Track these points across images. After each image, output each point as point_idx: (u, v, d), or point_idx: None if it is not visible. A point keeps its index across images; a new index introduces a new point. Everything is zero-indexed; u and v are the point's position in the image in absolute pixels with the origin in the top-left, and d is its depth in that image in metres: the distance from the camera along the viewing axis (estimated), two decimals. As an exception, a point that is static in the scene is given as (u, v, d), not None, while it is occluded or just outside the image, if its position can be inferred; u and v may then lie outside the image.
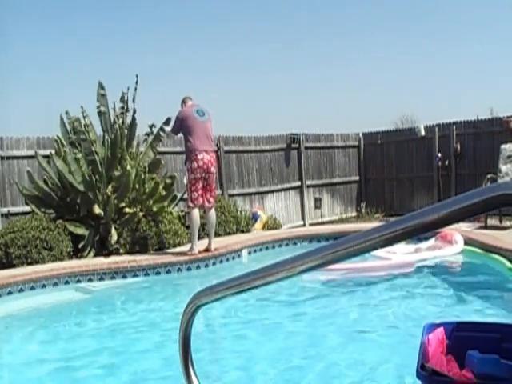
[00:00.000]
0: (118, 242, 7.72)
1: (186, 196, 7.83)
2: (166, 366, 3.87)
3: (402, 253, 7.08)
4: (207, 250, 7.36)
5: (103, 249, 7.78)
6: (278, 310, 5.45)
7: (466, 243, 7.19)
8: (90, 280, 6.70)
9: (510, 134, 10.50)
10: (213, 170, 7.34)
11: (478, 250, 6.97)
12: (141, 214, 8.04)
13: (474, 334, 2.27)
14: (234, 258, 7.71)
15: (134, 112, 8.25)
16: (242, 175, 11.39)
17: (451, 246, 7.15)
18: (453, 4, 34.05)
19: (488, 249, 6.80)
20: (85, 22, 25.86)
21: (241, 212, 9.70)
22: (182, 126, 7.31)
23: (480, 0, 32.58)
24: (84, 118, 8.03)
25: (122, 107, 8.22)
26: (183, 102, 7.64)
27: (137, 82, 8.06)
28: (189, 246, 7.46)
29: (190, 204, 7.30)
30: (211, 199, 7.43)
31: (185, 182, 7.54)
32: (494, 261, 6.42)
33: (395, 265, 6.63)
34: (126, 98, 8.20)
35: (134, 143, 8.61)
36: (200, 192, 7.24)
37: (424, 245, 7.36)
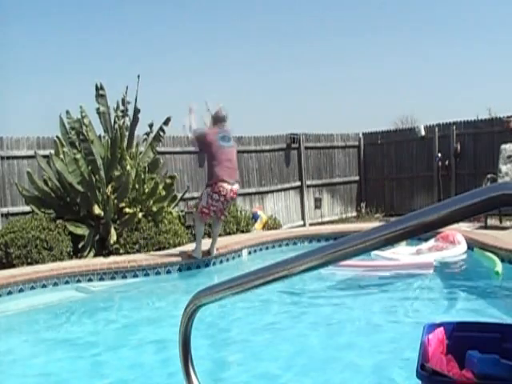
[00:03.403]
0: (117, 241, 7.72)
1: (196, 202, 7.51)
2: (162, 364, 3.88)
3: (405, 254, 7.09)
4: (209, 252, 7.33)
5: (103, 249, 7.77)
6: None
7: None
8: (90, 280, 6.71)
9: (510, 133, 10.50)
10: (232, 198, 7.08)
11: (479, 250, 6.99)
12: (140, 214, 8.04)
13: (474, 334, 2.27)
14: (233, 258, 7.71)
15: (136, 112, 8.25)
16: (242, 175, 11.38)
17: (455, 246, 7.16)
18: (453, 4, 34.04)
19: (488, 249, 6.80)
20: (84, 21, 25.86)
21: (241, 212, 9.70)
22: (206, 150, 7.01)
23: (480, 0, 32.57)
24: (83, 117, 8.03)
25: (123, 110, 8.22)
26: (215, 119, 7.10)
27: (138, 83, 8.06)
28: (189, 246, 7.45)
29: (200, 216, 7.09)
30: (222, 217, 7.39)
31: (202, 198, 7.12)
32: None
33: (415, 264, 6.65)
34: (126, 99, 8.20)
35: (134, 143, 8.61)
36: (212, 213, 7.07)
37: (424, 246, 7.35)
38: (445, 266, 6.81)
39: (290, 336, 4.60)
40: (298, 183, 12.44)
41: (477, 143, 11.39)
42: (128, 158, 8.16)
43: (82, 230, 7.75)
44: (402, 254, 7.04)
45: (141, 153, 8.72)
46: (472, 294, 5.59)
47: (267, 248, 8.33)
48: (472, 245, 7.22)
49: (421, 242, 7.41)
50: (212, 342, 4.49)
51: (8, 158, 8.48)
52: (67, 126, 8.24)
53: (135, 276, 6.85)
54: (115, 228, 7.79)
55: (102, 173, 7.84)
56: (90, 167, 7.83)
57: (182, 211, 9.19)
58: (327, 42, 33.93)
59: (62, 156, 7.80)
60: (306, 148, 12.49)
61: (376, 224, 0.94)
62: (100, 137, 8.47)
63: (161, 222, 8.04)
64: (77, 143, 8.03)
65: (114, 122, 8.24)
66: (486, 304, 5.14)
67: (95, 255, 7.65)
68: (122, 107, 8.25)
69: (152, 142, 8.76)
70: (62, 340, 4.83)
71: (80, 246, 7.67)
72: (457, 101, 33.99)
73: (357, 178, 13.46)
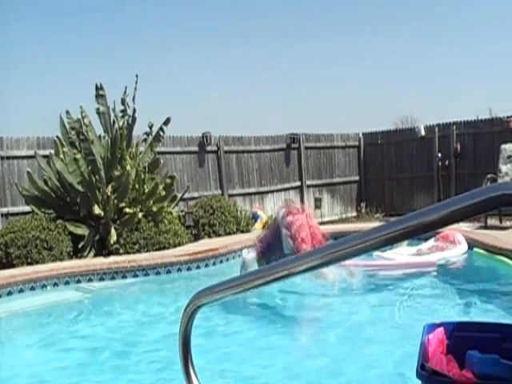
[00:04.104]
0: (117, 242, 7.72)
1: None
2: (162, 367, 3.88)
3: (407, 254, 7.10)
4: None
5: (103, 249, 7.78)
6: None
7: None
8: (90, 280, 6.71)
9: (510, 133, 10.49)
10: None
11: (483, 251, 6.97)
12: (140, 214, 8.04)
13: (474, 334, 2.27)
14: (234, 257, 7.71)
15: (134, 111, 8.26)
16: (242, 175, 11.39)
17: (455, 246, 7.17)
18: (453, 4, 34.03)
19: (489, 249, 6.80)
20: (84, 21, 25.84)
21: (241, 212, 9.70)
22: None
23: (480, 0, 32.57)
24: (83, 118, 8.03)
25: (122, 110, 8.23)
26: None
27: (136, 82, 8.08)
28: (189, 246, 7.42)
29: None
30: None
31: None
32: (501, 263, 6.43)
33: (420, 264, 6.67)
34: (125, 99, 8.21)
35: (134, 143, 8.62)
36: None
37: (424, 246, 7.35)
38: (448, 266, 6.83)
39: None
40: (298, 183, 12.44)
41: (477, 143, 11.38)
42: (128, 158, 8.16)
43: (82, 230, 7.75)
44: (404, 254, 7.05)
45: (141, 153, 8.72)
46: (477, 292, 5.60)
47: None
48: (472, 244, 7.23)
49: (420, 242, 7.42)
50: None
51: (8, 157, 8.48)
52: (67, 126, 8.24)
53: (135, 276, 6.85)
54: (115, 228, 7.79)
55: (102, 173, 7.84)
56: (90, 167, 7.83)
57: (181, 211, 9.19)
58: (327, 41, 33.91)
59: (61, 156, 7.80)
60: (306, 148, 12.49)
61: (376, 224, 0.93)
62: (100, 137, 8.48)
63: (161, 222, 8.04)
64: (77, 143, 8.03)
65: (114, 122, 8.24)
66: (491, 302, 5.15)
67: (95, 255, 7.65)
68: (121, 107, 8.26)
69: (152, 142, 8.76)
70: (61, 340, 4.83)
71: (80, 246, 7.67)
72: (457, 101, 33.94)
73: (357, 177, 13.45)
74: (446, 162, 11.66)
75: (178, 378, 1.45)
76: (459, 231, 7.49)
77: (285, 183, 12.18)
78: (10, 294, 6.09)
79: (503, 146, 9.61)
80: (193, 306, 1.33)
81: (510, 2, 26.59)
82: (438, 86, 35.80)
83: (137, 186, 8.08)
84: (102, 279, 6.73)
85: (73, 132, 8.10)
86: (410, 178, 12.59)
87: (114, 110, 8.26)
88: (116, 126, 8.15)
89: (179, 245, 7.98)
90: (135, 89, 8.09)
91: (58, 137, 8.15)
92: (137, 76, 8.04)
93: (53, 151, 8.04)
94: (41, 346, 4.69)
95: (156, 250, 7.76)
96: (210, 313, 4.94)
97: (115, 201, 7.81)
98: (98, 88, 8.18)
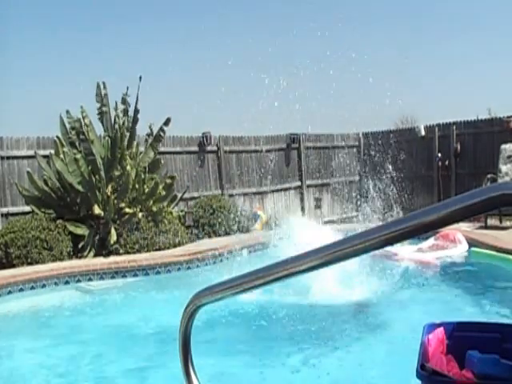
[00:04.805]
0: (117, 241, 7.72)
1: None
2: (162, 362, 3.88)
3: (408, 251, 7.12)
4: None
5: (103, 249, 7.77)
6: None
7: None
8: (90, 280, 6.71)
9: (510, 133, 10.48)
10: None
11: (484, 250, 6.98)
12: (140, 214, 8.04)
13: (474, 334, 2.26)
14: (234, 257, 7.71)
15: (136, 112, 8.25)
16: (242, 175, 11.38)
17: (456, 245, 7.19)
18: (453, 4, 34.06)
19: (489, 249, 6.80)
20: (84, 20, 25.83)
21: (241, 212, 9.70)
22: None
23: (480, 0, 32.60)
24: (84, 118, 8.03)
25: (124, 109, 8.23)
26: None
27: (139, 84, 8.07)
28: (189, 245, 7.43)
29: None
30: None
31: None
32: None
33: (423, 261, 6.70)
34: (127, 99, 8.21)
35: (135, 143, 8.61)
36: None
37: (424, 244, 7.36)
38: (449, 264, 6.85)
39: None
40: (297, 183, 12.44)
41: (477, 143, 11.37)
42: (128, 158, 8.16)
43: (82, 230, 7.75)
44: (406, 251, 7.07)
45: (141, 153, 8.72)
46: (477, 292, 5.61)
47: (267, 248, 8.31)
48: (472, 244, 7.24)
49: (420, 241, 7.43)
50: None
51: (8, 158, 8.47)
52: (67, 126, 8.24)
53: (135, 276, 6.85)
54: (115, 228, 7.79)
55: (102, 173, 7.84)
56: (90, 167, 7.83)
57: (181, 211, 9.19)
58: (327, 42, 33.94)
59: (62, 156, 7.80)
60: (306, 148, 12.49)
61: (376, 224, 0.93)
62: (100, 137, 8.48)
63: (161, 222, 8.04)
64: (77, 143, 8.03)
65: (114, 121, 8.24)
66: (491, 302, 5.15)
67: (95, 255, 7.65)
68: (122, 107, 8.25)
69: (152, 143, 8.76)
70: (61, 339, 4.82)
71: (80, 246, 7.67)
72: (457, 101, 33.94)
73: (357, 177, 13.45)
74: (446, 162, 11.66)
75: (178, 378, 1.45)
76: (459, 231, 7.50)
77: (285, 183, 12.18)
78: (9, 293, 6.09)
79: (503, 146, 9.61)
80: (193, 306, 1.32)
81: (510, 2, 26.59)
82: (438, 86, 35.81)
83: (137, 186, 8.08)
84: (101, 279, 6.73)
85: (73, 132, 8.09)
86: (410, 177, 12.58)
87: (115, 109, 8.26)
88: (116, 125, 8.15)
89: (179, 245, 7.98)
90: (137, 91, 8.10)
91: (58, 137, 8.15)
92: (140, 78, 8.03)
93: (53, 151, 8.03)
94: (40, 346, 4.69)
95: (156, 249, 7.76)
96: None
97: (115, 201, 7.81)
98: (100, 87, 8.18)
